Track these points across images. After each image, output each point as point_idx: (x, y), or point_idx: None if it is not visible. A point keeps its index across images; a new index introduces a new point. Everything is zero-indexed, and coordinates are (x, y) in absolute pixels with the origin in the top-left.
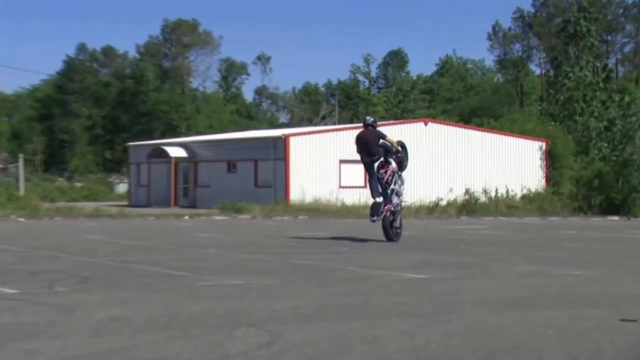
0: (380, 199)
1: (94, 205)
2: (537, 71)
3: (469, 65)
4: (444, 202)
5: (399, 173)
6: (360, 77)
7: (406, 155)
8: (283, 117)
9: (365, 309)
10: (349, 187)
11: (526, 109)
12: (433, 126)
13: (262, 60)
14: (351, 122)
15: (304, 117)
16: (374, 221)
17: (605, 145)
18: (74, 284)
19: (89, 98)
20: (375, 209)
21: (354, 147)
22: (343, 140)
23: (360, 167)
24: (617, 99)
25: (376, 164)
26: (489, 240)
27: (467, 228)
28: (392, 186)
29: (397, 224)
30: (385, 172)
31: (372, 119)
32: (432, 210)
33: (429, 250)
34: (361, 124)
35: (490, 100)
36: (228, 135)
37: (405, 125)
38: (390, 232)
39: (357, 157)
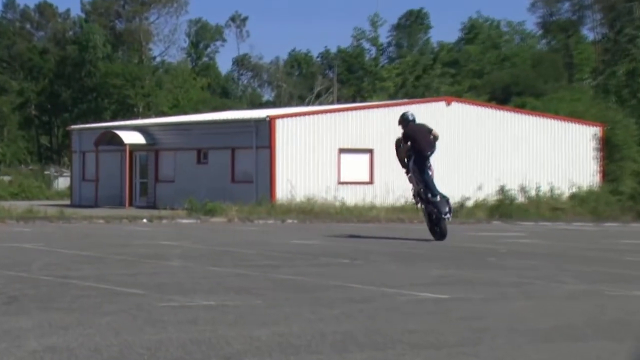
0: (438, 197)
1: (26, 206)
2: (591, 37)
3: (503, 29)
4: (470, 203)
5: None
6: (366, 45)
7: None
8: (267, 95)
9: (369, 338)
10: (351, 182)
11: (577, 85)
12: (457, 107)
13: (237, 21)
14: (353, 100)
15: (294, 94)
16: (448, 218)
17: None
18: None
19: (19, 69)
20: (442, 205)
21: (394, 147)
22: (344, 123)
23: (364, 159)
24: None
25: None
26: (527, 251)
27: (500, 235)
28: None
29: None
30: (430, 168)
31: (413, 115)
32: (456, 212)
33: (451, 263)
34: (365, 104)
35: (531, 74)
36: (198, 116)
37: (422, 105)
38: (443, 228)
39: (360, 145)
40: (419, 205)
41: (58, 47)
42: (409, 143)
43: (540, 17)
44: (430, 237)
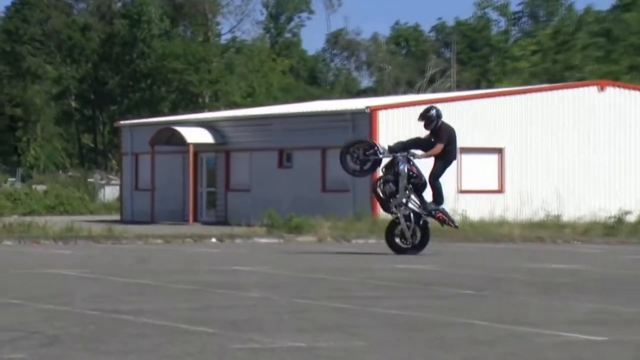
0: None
1: (66, 222)
2: None
3: None
4: (632, 217)
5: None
6: (492, 15)
7: None
8: (366, 81)
9: None
10: (475, 191)
11: None
12: (614, 93)
13: None
14: (477, 86)
15: (400, 79)
16: (457, 227)
17: None
18: (36, 348)
19: (55, 50)
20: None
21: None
22: (465, 116)
23: (492, 161)
24: None
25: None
26: None
27: None
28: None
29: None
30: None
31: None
32: (613, 230)
33: (606, 295)
34: (492, 90)
35: None
36: (279, 108)
37: (569, 91)
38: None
39: (487, 143)
40: (395, 213)
41: (103, 23)
42: (440, 144)
43: None
44: (574, 262)
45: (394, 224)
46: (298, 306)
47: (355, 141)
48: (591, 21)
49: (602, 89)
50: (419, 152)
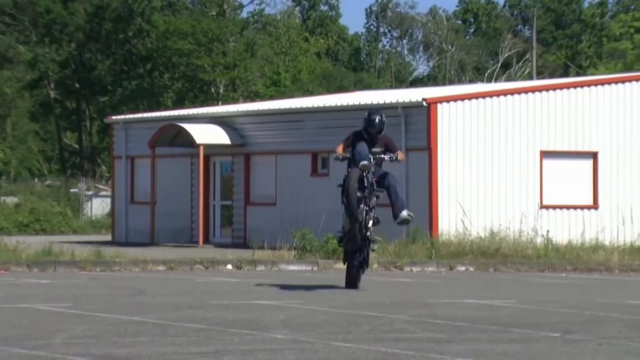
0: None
1: (43, 243)
2: None
3: None
4: None
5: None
6: None
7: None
8: (423, 66)
9: None
10: (561, 206)
11: None
12: None
13: None
14: (565, 73)
15: (466, 64)
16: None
17: None
18: None
19: (31, 26)
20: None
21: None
22: (548, 110)
23: (584, 168)
24: None
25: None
26: None
27: None
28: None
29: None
30: None
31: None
32: None
33: None
34: (585, 78)
35: None
36: (312, 101)
37: None
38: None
39: (577, 146)
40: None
41: None
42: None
43: None
44: None
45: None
46: (337, 351)
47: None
48: None
49: None
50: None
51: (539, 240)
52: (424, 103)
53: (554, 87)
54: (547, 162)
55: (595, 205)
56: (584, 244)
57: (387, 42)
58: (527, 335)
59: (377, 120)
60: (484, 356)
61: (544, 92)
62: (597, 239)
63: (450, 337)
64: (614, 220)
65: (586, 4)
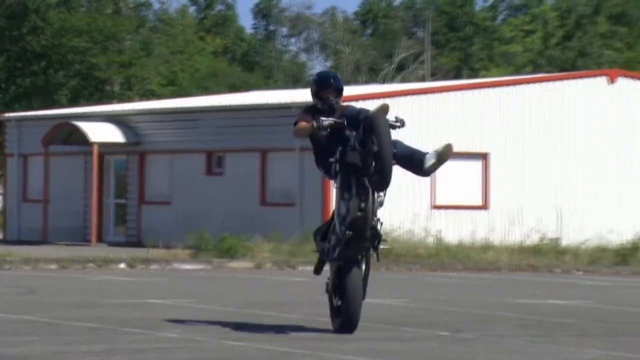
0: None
1: None
2: None
3: None
4: None
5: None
6: None
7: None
8: (319, 66)
9: None
10: (453, 207)
11: None
12: (628, 85)
13: None
14: (457, 75)
15: (362, 64)
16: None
17: None
18: None
19: None
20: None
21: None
22: (440, 111)
23: (475, 169)
24: None
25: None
26: None
27: None
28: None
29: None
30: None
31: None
32: (625, 258)
33: (616, 339)
34: (476, 80)
35: None
36: (208, 100)
37: (571, 82)
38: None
39: (469, 147)
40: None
41: None
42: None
43: None
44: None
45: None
46: (230, 350)
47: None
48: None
49: (612, 80)
50: None
51: (430, 240)
52: None
53: (447, 89)
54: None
55: (485, 206)
56: (475, 244)
57: (282, 41)
58: (420, 335)
59: (332, 78)
60: (378, 355)
61: (437, 94)
62: (487, 239)
63: (345, 336)
64: (504, 221)
65: (478, 8)
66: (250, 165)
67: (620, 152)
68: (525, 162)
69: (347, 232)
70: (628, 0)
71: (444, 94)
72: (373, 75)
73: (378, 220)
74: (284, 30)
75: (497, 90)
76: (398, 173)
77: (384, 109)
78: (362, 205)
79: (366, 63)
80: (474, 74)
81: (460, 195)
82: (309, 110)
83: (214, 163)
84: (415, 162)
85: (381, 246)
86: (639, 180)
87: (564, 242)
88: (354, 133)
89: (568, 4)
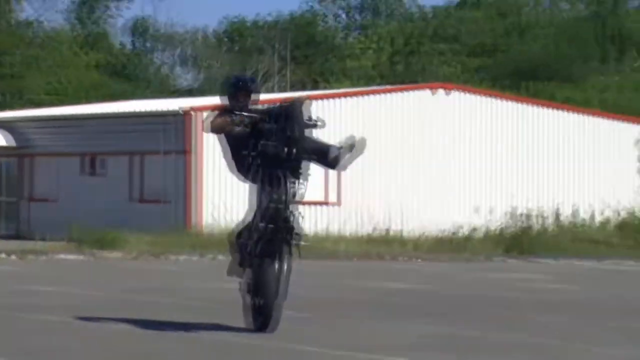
0: None
1: None
2: None
3: None
4: (478, 233)
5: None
6: (328, 10)
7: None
8: (190, 80)
9: None
10: (307, 202)
11: (626, 67)
12: (452, 97)
13: None
14: (315, 87)
15: (227, 77)
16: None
17: None
18: None
19: None
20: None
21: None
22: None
23: (325, 171)
24: None
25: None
26: (553, 300)
27: (515, 279)
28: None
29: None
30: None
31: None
32: (459, 247)
33: (443, 318)
34: (323, 92)
35: (564, 52)
36: (87, 108)
37: (407, 94)
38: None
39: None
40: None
41: None
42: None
43: None
44: (410, 282)
45: None
46: (107, 329)
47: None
48: (435, 20)
49: (435, 91)
50: None
51: None
52: (181, 112)
53: (309, 98)
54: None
55: (339, 203)
56: (327, 235)
57: (157, 56)
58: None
59: (248, 81)
60: (232, 332)
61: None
62: (338, 231)
63: (203, 316)
64: (354, 216)
65: (331, 27)
66: (123, 166)
67: (452, 156)
68: (374, 163)
69: (269, 225)
70: (462, 21)
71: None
72: None
73: (293, 213)
74: (159, 45)
75: (344, 100)
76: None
77: (303, 99)
78: (275, 196)
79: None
80: (329, 86)
81: (316, 193)
82: (224, 111)
83: (94, 164)
84: (325, 154)
85: (302, 242)
86: (471, 182)
87: (406, 234)
88: (273, 126)
89: (407, 25)
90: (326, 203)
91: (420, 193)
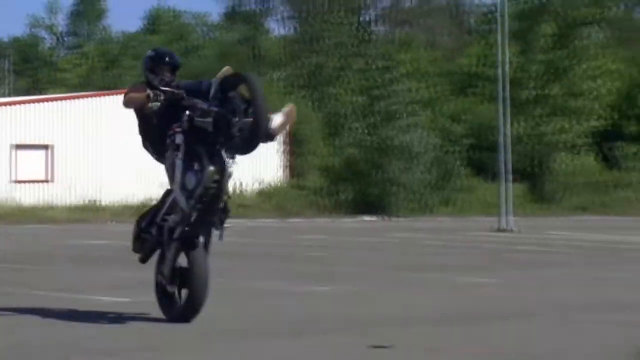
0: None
1: None
2: (279, 30)
3: (186, 21)
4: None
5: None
6: (44, 34)
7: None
8: None
9: None
10: (27, 181)
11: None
12: (115, 100)
13: None
14: (28, 92)
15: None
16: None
17: (359, 125)
18: None
19: None
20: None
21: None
22: (19, 117)
23: (43, 155)
24: (378, 66)
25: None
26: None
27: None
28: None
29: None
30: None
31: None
32: (140, 211)
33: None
34: (43, 96)
35: (219, 66)
36: None
37: (100, 99)
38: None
39: (36, 141)
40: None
41: None
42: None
43: (226, 8)
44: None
45: None
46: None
47: None
48: (128, 43)
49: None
50: None
51: (12, 204)
52: None
53: (24, 102)
54: (20, 152)
55: (51, 180)
56: (43, 206)
57: None
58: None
59: (168, 55)
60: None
61: (20, 106)
62: (51, 202)
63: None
64: (63, 190)
65: (46, 47)
66: None
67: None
68: (78, 150)
69: (197, 205)
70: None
71: (22, 106)
72: None
73: (227, 194)
74: None
75: (57, 103)
76: None
77: (230, 70)
78: (217, 176)
79: None
80: (42, 92)
81: (34, 173)
82: (143, 85)
83: None
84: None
85: (226, 224)
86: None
87: (103, 203)
88: (201, 101)
89: (102, 48)
90: (46, 181)
91: (115, 171)
